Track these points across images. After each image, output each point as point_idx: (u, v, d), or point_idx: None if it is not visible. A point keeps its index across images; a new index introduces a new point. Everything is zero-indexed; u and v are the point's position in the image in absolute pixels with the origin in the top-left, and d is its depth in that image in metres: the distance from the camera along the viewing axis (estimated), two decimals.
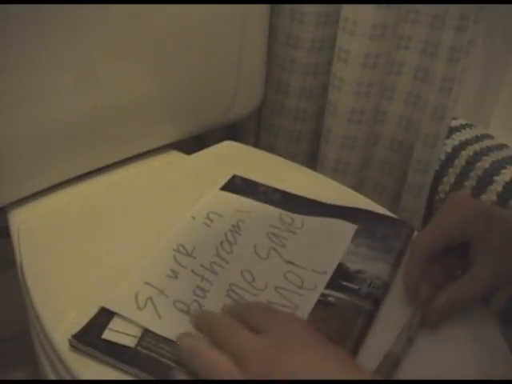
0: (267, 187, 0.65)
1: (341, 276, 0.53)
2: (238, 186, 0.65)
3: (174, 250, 0.55)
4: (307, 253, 0.56)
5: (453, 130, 0.92)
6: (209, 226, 0.59)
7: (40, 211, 0.64)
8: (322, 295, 0.51)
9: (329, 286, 0.52)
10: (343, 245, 0.57)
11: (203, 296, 0.51)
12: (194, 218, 0.60)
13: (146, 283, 0.51)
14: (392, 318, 0.51)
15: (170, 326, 0.47)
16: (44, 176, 0.66)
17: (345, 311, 0.49)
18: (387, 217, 0.62)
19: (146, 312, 0.49)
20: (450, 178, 0.86)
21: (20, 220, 0.63)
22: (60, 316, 0.49)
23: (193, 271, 0.53)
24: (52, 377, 0.50)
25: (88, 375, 0.45)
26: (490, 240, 0.48)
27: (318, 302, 0.50)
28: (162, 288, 0.51)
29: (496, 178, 0.82)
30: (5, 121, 0.59)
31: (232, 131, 0.94)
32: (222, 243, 0.57)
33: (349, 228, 0.59)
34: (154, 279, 0.52)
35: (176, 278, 0.52)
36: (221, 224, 0.59)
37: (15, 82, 0.58)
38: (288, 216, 0.61)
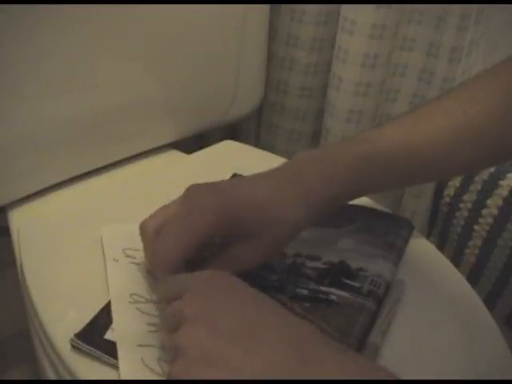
0: None
1: (342, 273, 0.53)
2: None
3: (130, 303, 0.49)
4: None
5: None
6: (136, 263, 0.53)
7: (40, 211, 0.64)
8: (324, 293, 0.51)
9: (330, 283, 0.52)
10: None
11: None
12: (116, 260, 0.54)
13: (139, 346, 0.45)
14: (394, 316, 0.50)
15: None
16: (44, 176, 0.65)
17: (346, 309, 0.49)
18: (387, 214, 0.62)
19: None
20: (455, 181, 0.85)
21: (20, 220, 0.63)
22: (60, 316, 0.49)
23: None
24: (52, 377, 0.50)
25: (88, 375, 0.45)
26: (245, 229, 0.47)
27: (320, 300, 0.50)
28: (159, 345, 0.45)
29: (501, 182, 0.81)
30: (5, 120, 0.59)
31: (232, 131, 0.94)
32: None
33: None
34: (143, 340, 0.46)
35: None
36: (142, 256, 0.53)
37: (15, 82, 0.58)
38: None
